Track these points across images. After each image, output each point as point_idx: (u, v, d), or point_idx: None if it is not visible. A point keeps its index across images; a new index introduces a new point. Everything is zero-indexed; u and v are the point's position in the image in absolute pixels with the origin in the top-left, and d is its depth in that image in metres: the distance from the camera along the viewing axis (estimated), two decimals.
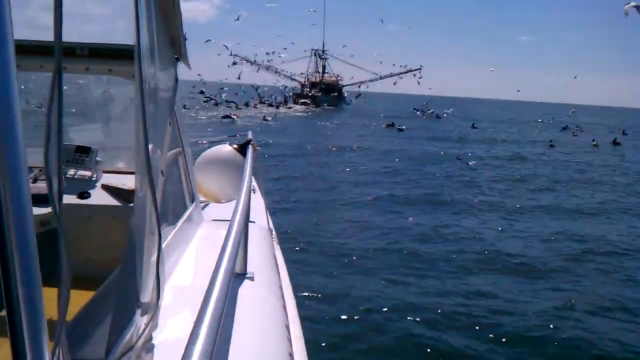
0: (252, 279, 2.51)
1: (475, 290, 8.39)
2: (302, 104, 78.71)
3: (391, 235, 11.33)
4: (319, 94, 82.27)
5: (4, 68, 0.67)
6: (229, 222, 1.91)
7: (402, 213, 13.54)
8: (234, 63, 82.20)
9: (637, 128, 62.94)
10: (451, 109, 75.04)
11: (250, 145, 3.34)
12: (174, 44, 2.48)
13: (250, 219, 3.38)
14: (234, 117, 45.56)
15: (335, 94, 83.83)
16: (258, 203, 4.40)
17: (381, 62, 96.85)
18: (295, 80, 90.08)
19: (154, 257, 1.93)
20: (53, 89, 1.12)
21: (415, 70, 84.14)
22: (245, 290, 2.39)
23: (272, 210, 6.26)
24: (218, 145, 3.52)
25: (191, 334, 1.01)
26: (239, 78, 76.43)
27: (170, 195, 2.85)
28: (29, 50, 2.84)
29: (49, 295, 0.77)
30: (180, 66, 2.69)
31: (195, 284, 2.48)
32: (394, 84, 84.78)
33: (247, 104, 64.86)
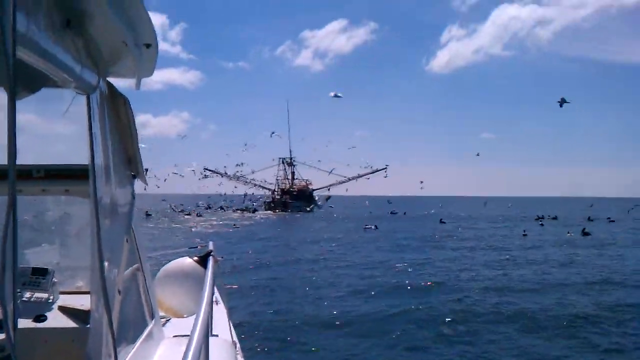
0: None
1: None
2: (273, 209, 79.46)
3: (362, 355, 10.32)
4: (290, 200, 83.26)
5: None
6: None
7: (375, 336, 11.83)
8: (205, 177, 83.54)
9: (598, 214, 64.99)
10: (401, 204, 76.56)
11: (211, 257, 3.31)
12: (130, 162, 2.53)
13: (213, 333, 3.27)
14: (196, 225, 45.54)
15: (307, 198, 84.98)
16: (221, 315, 4.29)
17: (348, 165, 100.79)
18: (265, 188, 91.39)
19: None
20: (8, 215, 1.12)
21: (382, 169, 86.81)
22: None
23: (237, 322, 6.02)
24: (178, 259, 3.49)
25: None
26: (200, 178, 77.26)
27: (129, 313, 2.77)
28: None
29: None
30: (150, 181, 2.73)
31: None
32: (368, 178, 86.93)
33: (216, 208, 65.17)
